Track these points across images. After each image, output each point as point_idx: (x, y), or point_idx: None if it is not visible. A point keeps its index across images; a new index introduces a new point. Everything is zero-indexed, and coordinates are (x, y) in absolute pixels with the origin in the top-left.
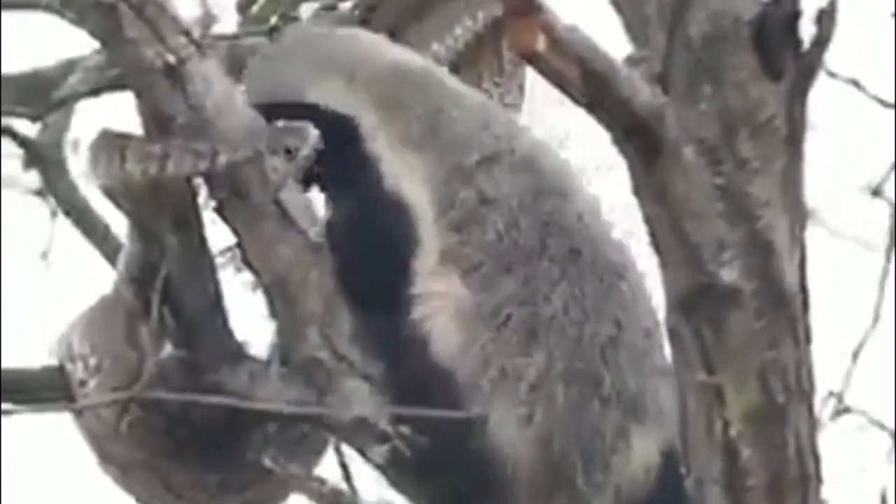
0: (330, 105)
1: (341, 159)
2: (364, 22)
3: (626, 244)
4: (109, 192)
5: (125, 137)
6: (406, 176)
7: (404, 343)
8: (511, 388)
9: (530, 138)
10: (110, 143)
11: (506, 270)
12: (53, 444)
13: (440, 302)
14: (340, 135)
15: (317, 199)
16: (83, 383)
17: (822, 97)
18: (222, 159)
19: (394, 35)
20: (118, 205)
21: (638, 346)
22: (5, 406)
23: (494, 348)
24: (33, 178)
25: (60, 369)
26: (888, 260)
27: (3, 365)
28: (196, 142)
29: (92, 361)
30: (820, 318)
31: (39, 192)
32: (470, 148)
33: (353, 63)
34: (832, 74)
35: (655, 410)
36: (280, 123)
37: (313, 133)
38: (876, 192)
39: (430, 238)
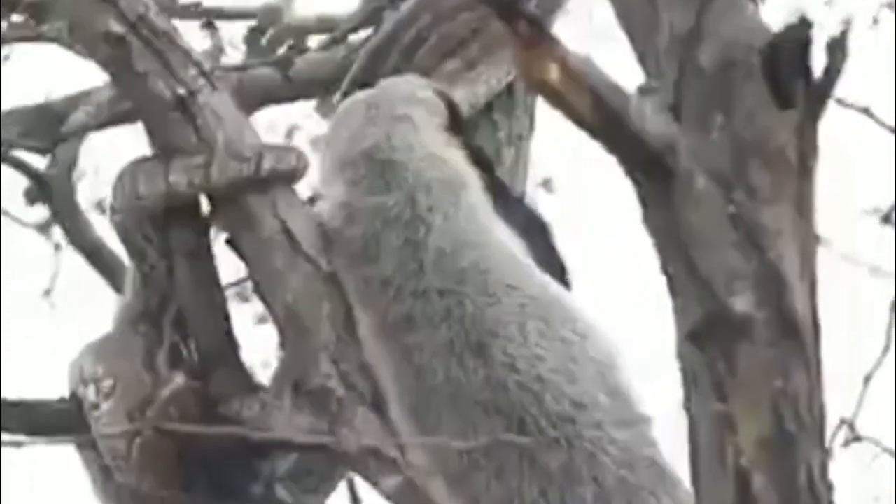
0: None
1: None
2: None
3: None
4: (121, 225)
5: (163, 156)
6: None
7: None
8: None
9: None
10: (149, 163)
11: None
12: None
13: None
14: None
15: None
16: (96, 406)
17: (832, 125)
18: (267, 163)
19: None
20: (127, 241)
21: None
22: (17, 438)
23: None
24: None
25: (72, 396)
26: None
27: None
28: (238, 149)
29: (106, 384)
30: (831, 344)
31: (43, 227)
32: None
33: None
34: (843, 103)
35: None
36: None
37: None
38: (886, 219)
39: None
